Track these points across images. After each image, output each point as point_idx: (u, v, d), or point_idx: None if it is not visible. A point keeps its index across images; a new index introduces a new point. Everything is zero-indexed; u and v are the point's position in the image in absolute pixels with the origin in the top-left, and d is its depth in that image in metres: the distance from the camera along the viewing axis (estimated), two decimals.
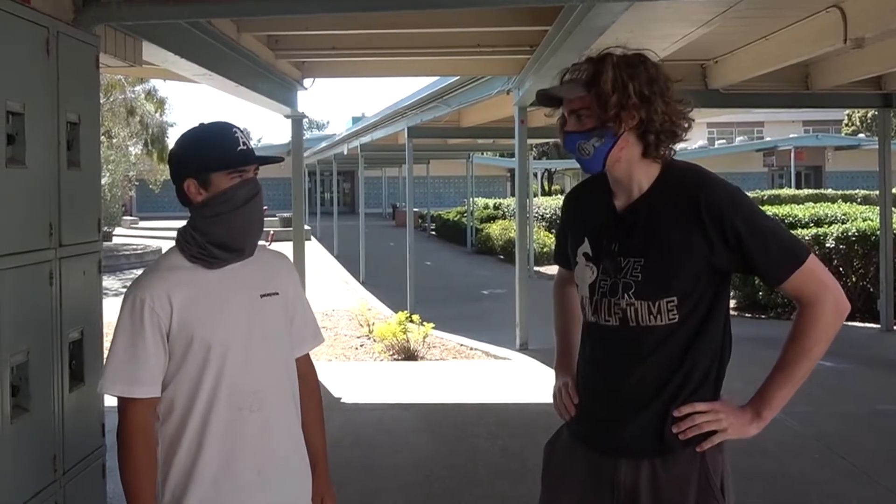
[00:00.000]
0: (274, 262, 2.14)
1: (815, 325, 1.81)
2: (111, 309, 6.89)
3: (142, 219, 35.77)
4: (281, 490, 2.03)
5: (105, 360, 1.97)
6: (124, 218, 29.76)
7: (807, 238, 10.14)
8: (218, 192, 1.96)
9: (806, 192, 26.10)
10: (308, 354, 2.23)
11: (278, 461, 2.03)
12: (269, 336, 2.03)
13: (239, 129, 2.01)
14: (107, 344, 5.12)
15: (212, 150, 1.97)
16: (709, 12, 5.10)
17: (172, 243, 2.06)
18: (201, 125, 2.05)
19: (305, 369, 2.19)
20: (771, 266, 1.82)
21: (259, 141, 58.59)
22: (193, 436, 1.94)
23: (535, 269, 15.80)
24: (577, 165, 1.96)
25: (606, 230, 1.93)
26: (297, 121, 9.21)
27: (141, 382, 1.92)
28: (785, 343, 1.85)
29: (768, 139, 38.48)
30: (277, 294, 2.07)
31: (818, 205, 14.44)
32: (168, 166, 2.08)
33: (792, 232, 2.25)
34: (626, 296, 1.86)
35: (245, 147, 1.99)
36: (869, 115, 37.77)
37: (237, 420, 1.96)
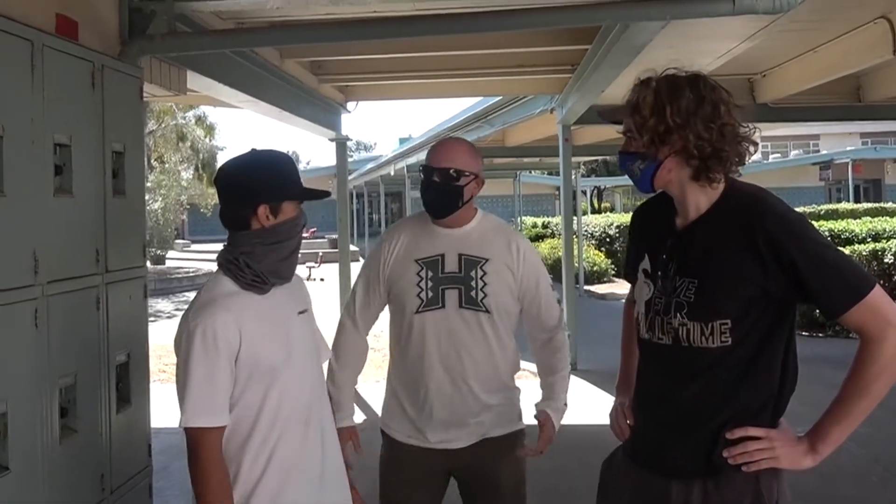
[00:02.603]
0: (295, 280, 2.20)
1: (874, 363, 1.72)
2: (164, 331, 6.96)
3: (193, 242, 36.45)
4: (334, 499, 2.11)
5: (182, 394, 1.92)
6: (176, 241, 30.38)
7: (864, 254, 9.87)
8: (284, 220, 2.02)
9: (865, 206, 25.44)
10: None
11: (330, 471, 2.11)
12: (310, 351, 2.13)
13: None
14: (154, 367, 5.22)
15: (287, 178, 2.05)
16: (751, 27, 5.04)
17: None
18: (263, 151, 2.09)
19: None
20: (828, 298, 1.75)
21: (308, 164, 59.33)
22: (254, 456, 1.98)
23: (586, 287, 15.65)
24: (628, 182, 1.97)
25: (665, 248, 1.92)
26: (342, 144, 9.30)
27: (221, 412, 1.94)
28: (845, 377, 1.78)
29: (824, 152, 37.56)
30: (307, 311, 2.18)
31: (876, 219, 14.02)
32: (226, 188, 2.05)
33: (852, 257, 2.18)
34: (678, 315, 1.84)
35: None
36: None
37: (295, 435, 2.02)
